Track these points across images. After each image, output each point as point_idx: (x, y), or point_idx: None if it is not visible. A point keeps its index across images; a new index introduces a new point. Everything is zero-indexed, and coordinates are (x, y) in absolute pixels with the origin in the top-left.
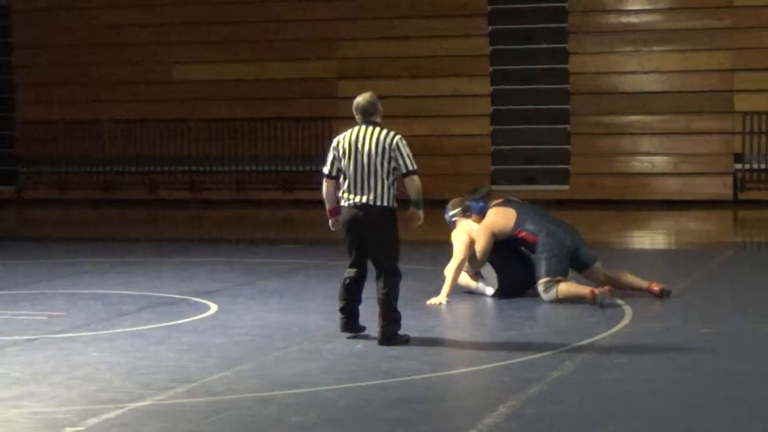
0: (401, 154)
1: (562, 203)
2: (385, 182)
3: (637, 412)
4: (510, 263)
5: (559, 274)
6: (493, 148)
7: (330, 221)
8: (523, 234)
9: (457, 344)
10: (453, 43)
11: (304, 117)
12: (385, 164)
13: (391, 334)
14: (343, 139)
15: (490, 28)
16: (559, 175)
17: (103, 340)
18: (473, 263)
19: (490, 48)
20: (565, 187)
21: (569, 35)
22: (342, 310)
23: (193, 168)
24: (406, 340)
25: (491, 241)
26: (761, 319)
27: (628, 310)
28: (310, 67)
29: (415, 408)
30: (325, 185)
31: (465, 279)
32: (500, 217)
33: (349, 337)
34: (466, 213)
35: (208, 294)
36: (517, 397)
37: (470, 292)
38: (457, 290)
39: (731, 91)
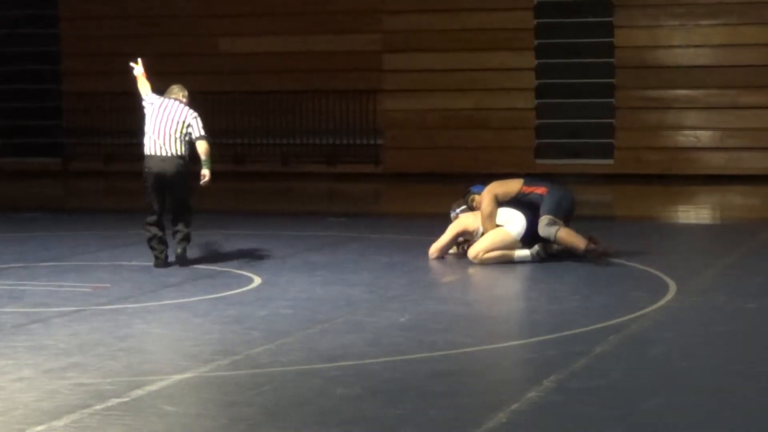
0: None
1: (607, 177)
2: None
3: (681, 387)
4: (529, 209)
5: (560, 216)
6: (537, 121)
7: None
8: (533, 188)
9: (501, 318)
10: (498, 16)
11: (349, 90)
12: None
13: None
14: None
15: (535, 1)
16: (604, 149)
17: (147, 312)
18: (485, 225)
19: (535, 21)
20: (610, 161)
21: (615, 8)
22: None
23: (238, 141)
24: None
25: (494, 202)
26: None
27: (672, 285)
28: (354, 40)
29: (458, 381)
30: None
31: (505, 251)
32: (503, 184)
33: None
34: (470, 202)
35: (253, 267)
36: (561, 372)
37: (511, 262)
38: (500, 265)
39: None
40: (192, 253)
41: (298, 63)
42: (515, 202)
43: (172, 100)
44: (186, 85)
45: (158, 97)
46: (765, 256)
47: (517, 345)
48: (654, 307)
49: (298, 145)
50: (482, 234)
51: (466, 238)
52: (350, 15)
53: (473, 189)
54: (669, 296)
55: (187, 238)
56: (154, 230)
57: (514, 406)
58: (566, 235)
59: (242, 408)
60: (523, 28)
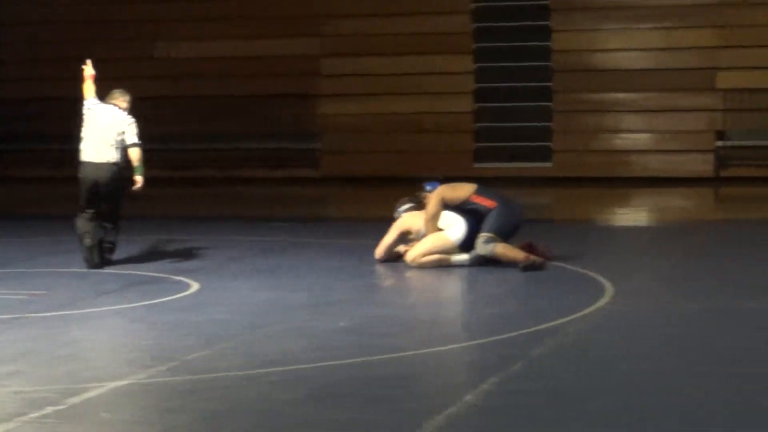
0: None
1: (545, 181)
2: None
3: (619, 388)
4: (472, 216)
5: (501, 236)
6: (476, 125)
7: None
8: (482, 199)
9: (440, 321)
10: (436, 20)
11: (288, 94)
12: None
13: None
14: None
15: (473, 5)
16: (542, 152)
17: (85, 319)
18: (427, 227)
19: (474, 25)
20: (548, 165)
21: (552, 13)
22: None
23: (177, 146)
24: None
25: (440, 205)
26: (744, 295)
27: (609, 287)
28: (293, 45)
29: (398, 385)
30: None
31: (443, 255)
32: (452, 188)
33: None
34: (421, 199)
35: (192, 272)
36: (498, 375)
37: (449, 266)
38: (438, 268)
39: (714, 68)
40: (131, 259)
41: (237, 68)
42: (460, 207)
43: (110, 106)
44: (125, 90)
45: (97, 102)
46: (701, 257)
47: (455, 348)
48: (591, 309)
49: (238, 150)
50: (423, 235)
51: (412, 239)
52: (288, 20)
53: (427, 186)
54: (606, 298)
55: (112, 245)
56: (86, 228)
57: (453, 410)
58: (504, 251)
59: (180, 414)
60: (462, 32)
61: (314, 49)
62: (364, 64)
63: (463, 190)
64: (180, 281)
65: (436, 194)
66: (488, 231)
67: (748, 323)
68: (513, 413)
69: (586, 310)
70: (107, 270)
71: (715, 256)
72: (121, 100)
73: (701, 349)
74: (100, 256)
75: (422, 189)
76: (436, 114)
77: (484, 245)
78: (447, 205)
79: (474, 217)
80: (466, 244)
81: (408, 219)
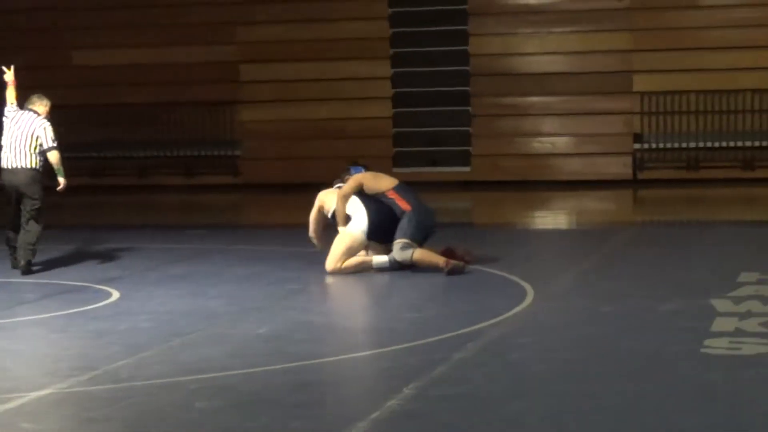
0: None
1: (464, 185)
2: None
3: (540, 391)
4: (382, 207)
5: (416, 242)
6: (394, 130)
7: None
8: (398, 197)
9: (360, 327)
10: (353, 26)
11: (206, 101)
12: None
13: None
14: None
15: (390, 10)
16: (461, 157)
17: (3, 329)
18: (337, 205)
19: (391, 31)
20: (467, 169)
21: (470, 17)
22: None
23: (94, 154)
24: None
25: (356, 188)
26: (660, 297)
27: (530, 290)
28: (211, 52)
29: (318, 391)
30: None
31: (364, 258)
32: (374, 177)
33: None
34: (344, 180)
35: (111, 281)
36: (420, 379)
37: (370, 270)
38: (358, 273)
39: (630, 71)
40: (50, 268)
41: (155, 75)
42: (375, 199)
43: (27, 112)
44: (43, 95)
45: (16, 109)
46: (621, 259)
47: (376, 354)
48: (512, 312)
49: (156, 157)
50: (333, 215)
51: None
52: (206, 26)
53: (353, 170)
54: (527, 302)
55: (32, 250)
56: (12, 236)
57: (375, 415)
58: (423, 256)
59: (102, 423)
60: (379, 38)
61: (232, 56)
62: (282, 70)
63: (384, 182)
64: (100, 290)
65: (355, 177)
66: (404, 237)
67: (663, 325)
68: (435, 418)
69: (507, 314)
70: (26, 279)
71: (633, 258)
72: (38, 104)
73: (615, 351)
74: (27, 261)
75: (347, 172)
76: (354, 119)
77: (401, 252)
78: (363, 193)
79: (383, 209)
80: (377, 234)
81: (323, 195)
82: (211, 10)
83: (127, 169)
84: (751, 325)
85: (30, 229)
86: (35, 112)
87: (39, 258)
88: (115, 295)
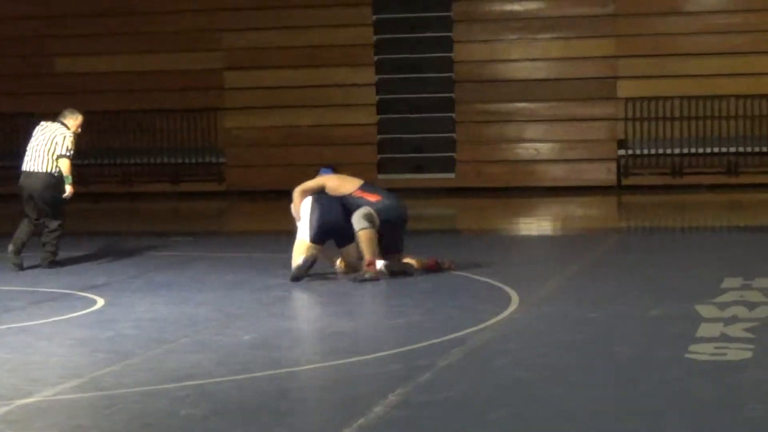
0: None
1: (449, 191)
2: None
3: (525, 397)
4: (331, 210)
5: (381, 221)
6: (379, 137)
7: None
8: (366, 193)
9: (346, 333)
10: (337, 33)
11: (191, 108)
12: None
13: None
14: None
15: (374, 17)
16: (445, 163)
17: None
18: (294, 198)
19: (375, 37)
20: (452, 176)
21: (454, 24)
22: None
23: (78, 162)
24: None
25: (316, 188)
26: (646, 302)
27: (515, 296)
28: (195, 59)
29: (304, 398)
30: None
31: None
32: (339, 180)
33: None
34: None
35: (97, 288)
36: (406, 386)
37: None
38: (345, 280)
39: (614, 77)
40: (35, 276)
41: (139, 82)
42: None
43: (57, 124)
44: (26, 106)
45: (50, 122)
46: (605, 265)
47: (362, 360)
48: (497, 318)
49: (141, 164)
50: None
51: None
52: (190, 33)
53: (322, 170)
54: (512, 308)
55: (53, 252)
56: (18, 234)
57: (361, 421)
58: (365, 239)
59: (88, 431)
60: (363, 44)
61: (216, 63)
62: (267, 77)
63: (348, 185)
64: (85, 297)
65: (318, 178)
66: (371, 209)
67: (648, 330)
68: (420, 424)
69: (493, 320)
70: (10, 287)
71: (618, 264)
72: (69, 118)
73: (600, 357)
74: (45, 265)
75: (318, 173)
76: (339, 126)
77: (360, 219)
78: (323, 194)
79: (330, 212)
80: (322, 237)
81: (324, 179)
82: (196, 17)
83: (112, 176)
84: (736, 330)
85: (46, 241)
86: (65, 125)
87: (25, 264)
88: (101, 302)
